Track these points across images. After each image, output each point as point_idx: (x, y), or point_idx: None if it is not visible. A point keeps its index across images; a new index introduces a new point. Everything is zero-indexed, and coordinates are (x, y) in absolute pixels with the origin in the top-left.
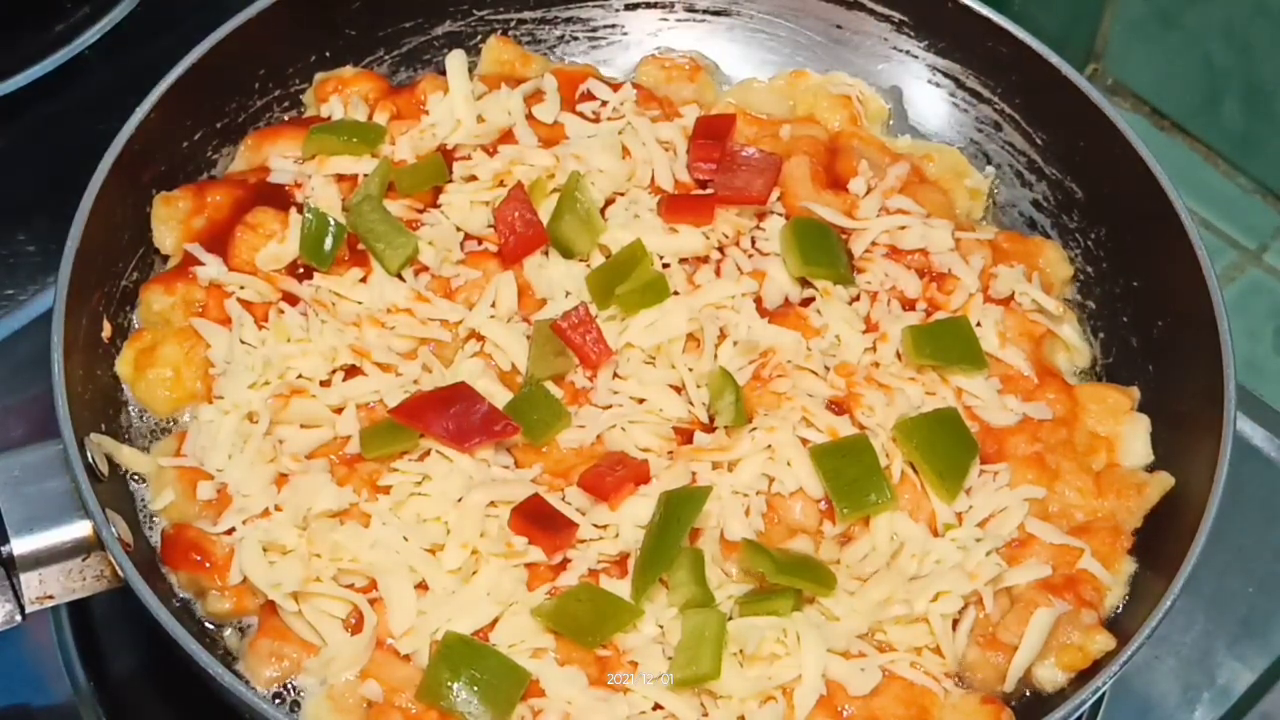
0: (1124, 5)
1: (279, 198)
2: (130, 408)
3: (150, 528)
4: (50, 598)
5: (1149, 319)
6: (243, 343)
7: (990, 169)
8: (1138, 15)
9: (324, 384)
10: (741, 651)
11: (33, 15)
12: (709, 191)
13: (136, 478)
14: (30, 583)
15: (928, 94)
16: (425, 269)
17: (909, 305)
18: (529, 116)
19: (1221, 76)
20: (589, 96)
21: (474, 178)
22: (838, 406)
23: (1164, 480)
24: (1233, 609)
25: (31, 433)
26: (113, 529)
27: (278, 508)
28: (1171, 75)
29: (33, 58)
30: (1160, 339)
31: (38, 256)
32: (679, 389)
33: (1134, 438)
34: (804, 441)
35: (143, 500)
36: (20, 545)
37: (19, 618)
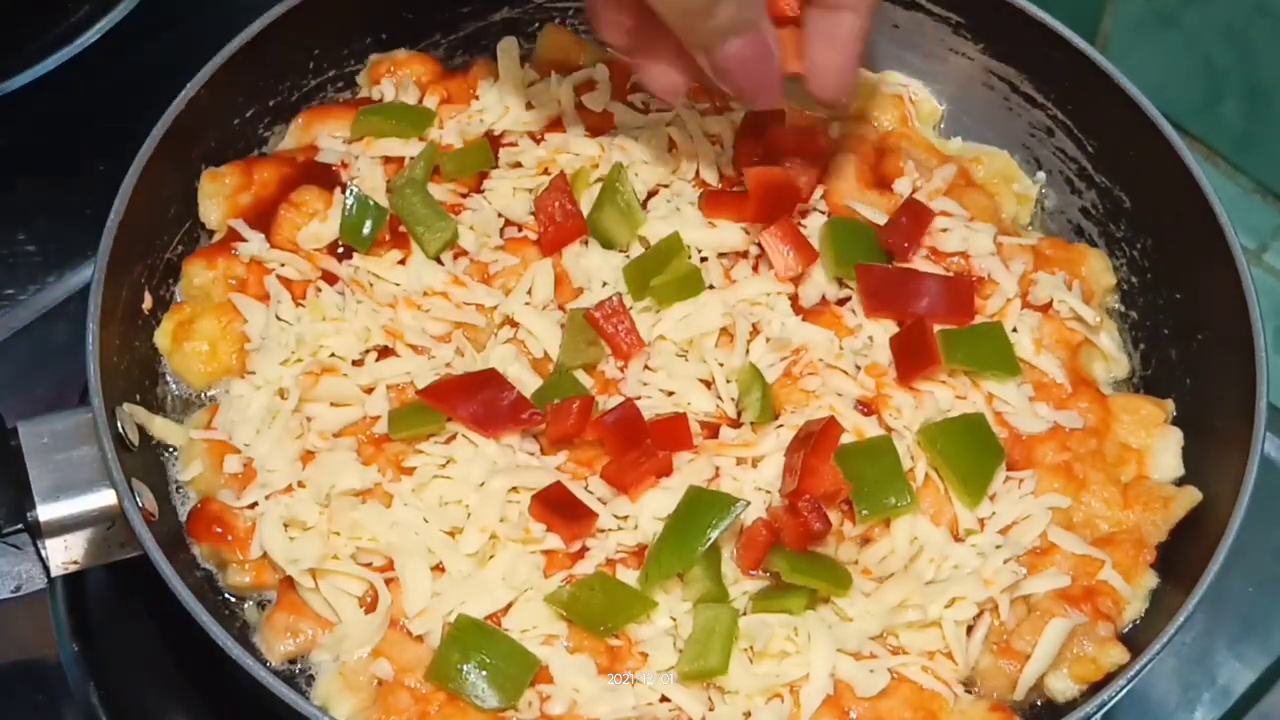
0: (1124, 5)
1: (326, 177)
2: (168, 380)
3: (180, 500)
4: (75, 563)
5: (1189, 332)
6: (278, 319)
7: (1040, 174)
8: (1138, 15)
9: (356, 363)
10: (751, 648)
11: (33, 15)
12: None
13: (169, 449)
14: (56, 548)
15: (982, 97)
16: (465, 253)
17: None
18: (579, 105)
19: (1221, 76)
20: (640, 87)
21: (519, 164)
22: (866, 407)
23: (1191, 495)
24: (1233, 609)
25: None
26: (137, 499)
27: (301, 484)
28: (1171, 75)
29: (33, 58)
30: (1199, 353)
31: (38, 256)
32: (709, 383)
33: (1165, 451)
34: None
35: (173, 471)
36: (46, 511)
37: (44, 583)
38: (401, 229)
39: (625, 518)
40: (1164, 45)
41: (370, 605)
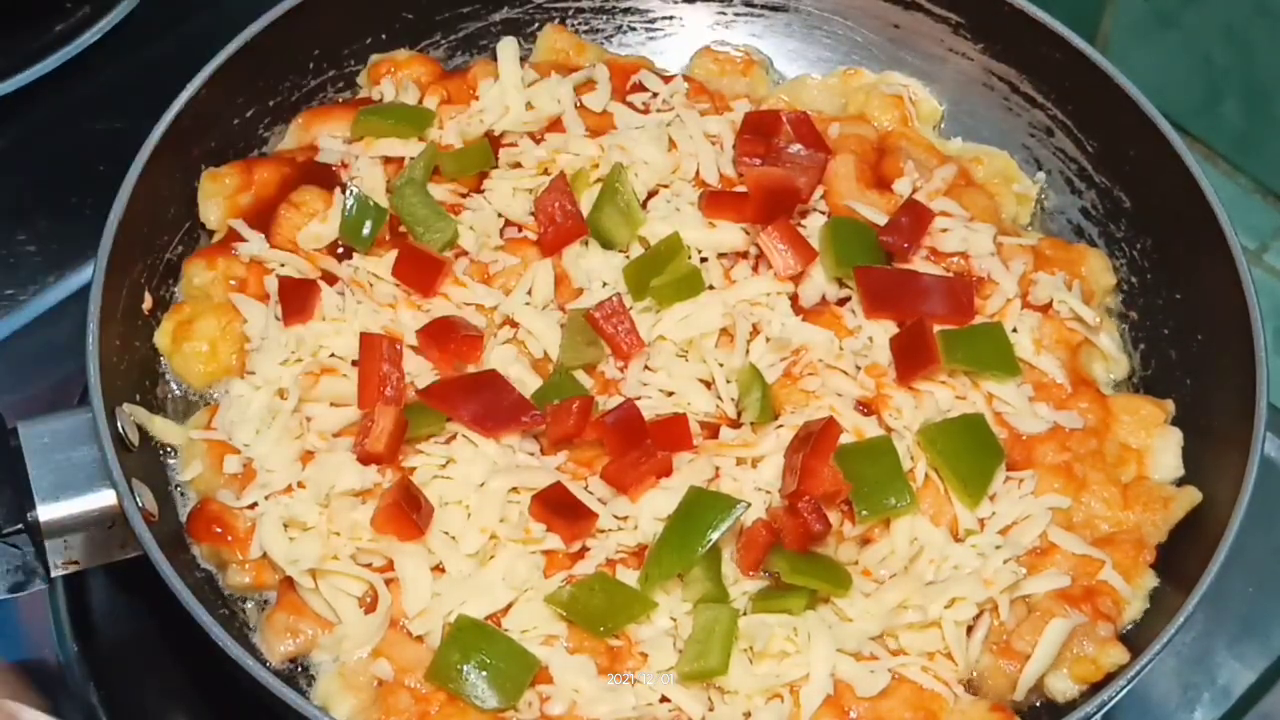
0: (1124, 5)
1: (326, 177)
2: (168, 380)
3: (180, 500)
4: (75, 563)
5: (1189, 332)
6: (278, 319)
7: (1040, 174)
8: (1138, 15)
9: (355, 364)
10: (751, 648)
11: (33, 15)
12: None
13: (169, 449)
14: (56, 549)
15: (982, 97)
16: (465, 253)
17: None
18: (579, 106)
19: (1221, 76)
20: (640, 88)
21: (519, 164)
22: (866, 407)
23: (1192, 495)
24: (1233, 609)
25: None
26: (137, 499)
27: (300, 485)
28: (1171, 75)
29: (33, 58)
30: (1199, 353)
31: (38, 256)
32: (709, 384)
33: (1165, 451)
34: None
35: (173, 471)
36: (46, 512)
37: (44, 583)
38: (401, 229)
39: (625, 518)
40: (1164, 45)
41: (370, 605)
